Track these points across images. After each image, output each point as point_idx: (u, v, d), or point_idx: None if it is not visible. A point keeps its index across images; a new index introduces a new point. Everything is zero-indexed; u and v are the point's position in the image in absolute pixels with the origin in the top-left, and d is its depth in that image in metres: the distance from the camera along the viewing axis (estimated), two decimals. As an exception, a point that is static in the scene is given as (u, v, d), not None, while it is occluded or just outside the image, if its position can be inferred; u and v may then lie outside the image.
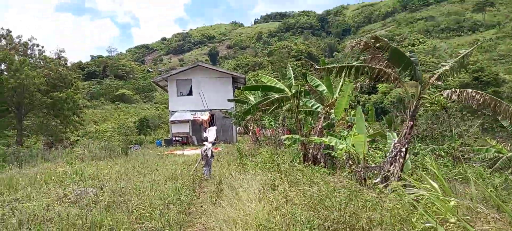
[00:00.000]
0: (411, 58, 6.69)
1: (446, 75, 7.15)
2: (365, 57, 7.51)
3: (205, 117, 27.70)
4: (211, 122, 28.72)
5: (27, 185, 9.60)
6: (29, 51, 31.00)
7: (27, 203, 7.15)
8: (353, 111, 12.97)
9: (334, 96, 12.16)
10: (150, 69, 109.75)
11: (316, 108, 12.55)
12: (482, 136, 26.46)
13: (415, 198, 4.10)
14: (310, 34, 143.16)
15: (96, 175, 11.28)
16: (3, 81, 25.86)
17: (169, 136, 30.25)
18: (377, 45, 6.85)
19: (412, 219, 3.55)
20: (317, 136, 11.17)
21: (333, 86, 12.67)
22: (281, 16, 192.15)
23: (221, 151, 18.94)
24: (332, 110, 11.69)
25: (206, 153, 11.27)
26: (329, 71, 7.66)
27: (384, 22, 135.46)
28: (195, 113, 28.67)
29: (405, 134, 6.90)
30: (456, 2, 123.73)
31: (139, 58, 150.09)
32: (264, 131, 24.88)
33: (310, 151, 11.37)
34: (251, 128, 22.18)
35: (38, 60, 31.52)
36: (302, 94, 12.51)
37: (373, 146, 12.45)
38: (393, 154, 6.92)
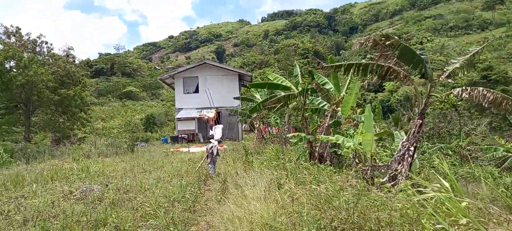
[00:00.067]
0: (422, 56, 6.55)
1: (456, 73, 7.00)
2: (372, 55, 7.39)
3: (211, 114, 27.68)
4: (217, 120, 28.71)
5: (33, 181, 9.63)
6: (37, 49, 31.23)
7: (33, 200, 7.17)
8: (359, 110, 12.84)
9: (341, 94, 12.03)
10: (157, 67, 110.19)
11: (323, 106, 12.43)
12: (490, 135, 26.15)
13: (424, 198, 3.99)
14: (317, 32, 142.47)
15: (102, 171, 11.30)
16: (12, 78, 26.08)
17: (175, 133, 30.29)
18: (387, 43, 6.73)
19: (422, 220, 3.44)
20: (324, 134, 11.06)
21: (340, 84, 12.53)
22: (288, 14, 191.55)
23: (227, 148, 18.90)
24: (339, 109, 11.56)
25: (212, 150, 11.24)
26: (337, 69, 7.54)
27: (391, 20, 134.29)
28: (201, 111, 28.66)
29: (414, 133, 6.77)
30: (465, 0, 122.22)
31: (147, 56, 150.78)
32: (270, 129, 24.80)
33: (316, 149, 11.27)
34: (257, 125, 22.10)
35: (46, 57, 31.74)
36: (309, 92, 12.40)
37: (380, 145, 12.32)
38: (401, 152, 6.79)
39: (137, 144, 24.39)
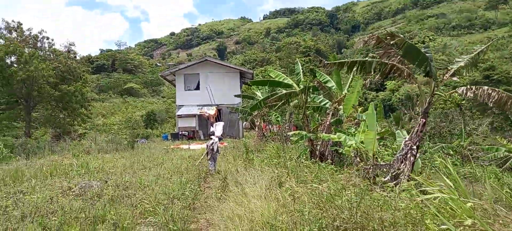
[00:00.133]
0: (426, 54, 6.46)
1: (461, 72, 6.91)
2: (373, 54, 7.32)
3: (212, 111, 27.61)
4: (218, 117, 28.64)
5: (32, 177, 9.57)
6: (39, 44, 31.16)
7: (31, 195, 7.10)
8: (360, 108, 12.76)
9: (343, 93, 11.95)
10: (159, 64, 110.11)
11: (325, 104, 12.35)
12: (491, 135, 26.08)
13: (427, 198, 3.92)
14: (318, 31, 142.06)
15: (101, 168, 11.24)
16: (13, 73, 26.03)
17: (175, 130, 30.24)
18: (391, 42, 6.65)
19: (426, 221, 3.37)
20: (325, 132, 10.99)
21: (342, 83, 12.45)
22: (290, 12, 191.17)
23: (227, 146, 18.83)
24: (341, 107, 11.49)
25: (212, 146, 11.18)
26: (340, 66, 7.46)
27: (394, 19, 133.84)
28: (202, 108, 28.59)
29: (417, 132, 6.69)
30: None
31: (148, 53, 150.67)
32: (270, 127, 24.72)
33: (317, 148, 11.20)
34: (258, 123, 22.04)
35: (47, 53, 31.67)
36: (311, 90, 12.32)
37: (381, 144, 12.25)
38: (403, 151, 6.71)
39: (137, 141, 24.35)
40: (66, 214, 5.72)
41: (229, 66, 33.29)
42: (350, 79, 13.12)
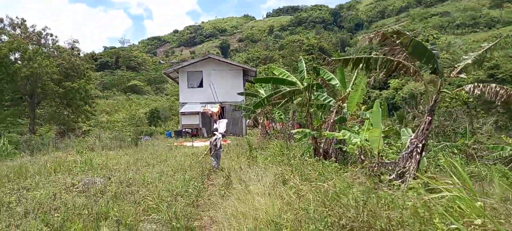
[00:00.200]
0: (433, 51, 6.38)
1: (468, 70, 6.82)
2: (377, 53, 7.24)
3: (215, 109, 27.59)
4: (221, 115, 28.61)
5: (36, 173, 9.58)
6: (43, 41, 31.25)
7: (35, 192, 7.09)
8: (363, 107, 12.67)
9: (347, 90, 11.87)
10: (162, 61, 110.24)
11: (328, 102, 12.27)
12: (496, 134, 25.89)
13: (435, 197, 3.85)
14: (322, 29, 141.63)
15: (105, 164, 11.24)
16: (17, 70, 26.11)
17: (179, 128, 30.25)
18: (397, 42, 6.58)
19: (434, 220, 3.30)
20: (329, 130, 10.92)
21: (346, 81, 12.37)
22: (293, 10, 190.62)
23: (231, 143, 18.81)
24: (345, 105, 11.41)
25: (216, 142, 11.16)
26: (345, 63, 7.38)
27: (398, 17, 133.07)
28: (205, 106, 28.57)
29: (422, 130, 6.61)
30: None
31: (151, 50, 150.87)
32: (274, 124, 24.67)
33: (321, 145, 11.13)
34: (261, 121, 21.99)
35: (51, 50, 31.77)
36: (314, 88, 12.24)
37: (386, 142, 12.17)
38: (409, 150, 6.63)
39: (141, 138, 24.37)
40: (69, 211, 5.70)
41: (232, 64, 33.24)
42: (354, 77, 13.04)
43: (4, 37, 28.40)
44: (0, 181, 8.61)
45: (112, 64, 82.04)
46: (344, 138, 7.95)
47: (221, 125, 12.39)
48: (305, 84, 12.20)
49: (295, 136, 13.48)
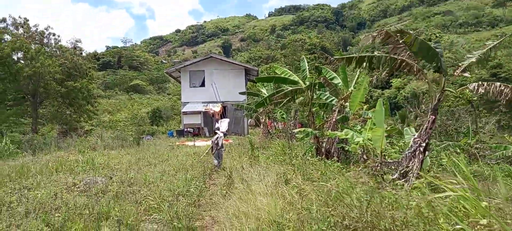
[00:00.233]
0: (436, 49, 6.32)
1: (472, 68, 6.75)
2: (379, 53, 7.18)
3: (217, 108, 27.55)
4: (223, 114, 28.58)
5: (38, 173, 9.57)
6: (45, 40, 31.28)
7: (36, 191, 7.07)
8: (366, 106, 12.61)
9: (349, 89, 11.81)
10: (164, 61, 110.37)
11: (331, 101, 12.21)
12: (498, 133, 25.77)
13: (440, 197, 3.79)
14: (324, 28, 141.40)
15: (107, 164, 11.23)
16: (19, 69, 26.16)
17: (181, 127, 30.23)
18: (401, 41, 6.52)
19: (439, 220, 3.25)
20: (331, 129, 10.86)
21: (348, 80, 12.31)
22: (295, 9, 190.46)
23: (232, 142, 18.77)
24: (347, 104, 11.34)
25: (217, 141, 11.13)
26: (349, 62, 7.32)
27: (400, 16, 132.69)
28: (207, 105, 28.54)
29: (426, 129, 6.54)
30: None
31: (154, 50, 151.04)
32: (275, 124, 24.61)
33: (323, 145, 11.08)
34: (263, 120, 21.95)
35: (54, 49, 31.81)
36: (317, 87, 12.19)
37: (388, 141, 12.10)
38: (412, 149, 6.57)
39: (143, 137, 24.37)
40: (70, 210, 5.68)
41: (234, 63, 33.20)
42: (356, 76, 12.97)
43: (7, 37, 28.43)
44: (1, 180, 8.60)
45: (115, 64, 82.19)
46: (347, 137, 7.90)
47: (223, 124, 12.37)
48: (307, 83, 12.15)
49: (297, 135, 13.43)
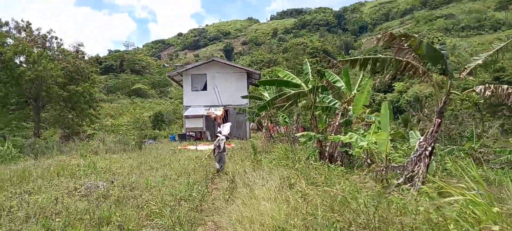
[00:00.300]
0: (442, 51, 6.23)
1: (477, 70, 6.66)
2: (381, 56, 7.12)
3: (219, 112, 27.47)
4: (225, 118, 28.49)
5: (39, 177, 9.50)
6: (47, 44, 31.36)
7: (37, 196, 7.00)
8: (368, 110, 12.51)
9: (353, 92, 11.72)
10: (166, 64, 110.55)
11: (334, 104, 12.12)
12: (502, 138, 25.59)
13: (449, 202, 3.70)
14: (326, 31, 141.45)
15: (108, 168, 11.14)
16: (21, 73, 26.19)
17: (183, 131, 30.16)
18: (406, 44, 6.44)
19: (449, 226, 3.15)
20: (334, 133, 10.77)
21: (351, 83, 12.22)
22: (297, 12, 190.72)
23: (235, 146, 18.67)
24: (350, 107, 11.25)
25: (219, 143, 11.05)
26: (353, 64, 7.24)
27: (402, 19, 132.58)
28: (209, 109, 28.47)
29: (431, 132, 6.45)
30: (478, 0, 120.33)
31: (156, 53, 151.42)
32: (278, 128, 24.53)
33: (327, 149, 10.98)
34: (265, 124, 21.86)
35: (56, 53, 31.86)
36: (319, 90, 12.10)
37: (392, 145, 11.99)
38: (418, 153, 6.47)
39: (145, 141, 24.31)
40: (71, 215, 5.60)
41: (236, 67, 33.16)
42: (359, 79, 12.89)
43: (10, 41, 28.51)
44: (2, 185, 8.53)
45: (117, 68, 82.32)
46: (351, 141, 7.80)
47: (225, 128, 12.27)
48: (310, 86, 12.07)
49: (299, 139, 13.33)
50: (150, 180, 8.59)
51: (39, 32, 30.70)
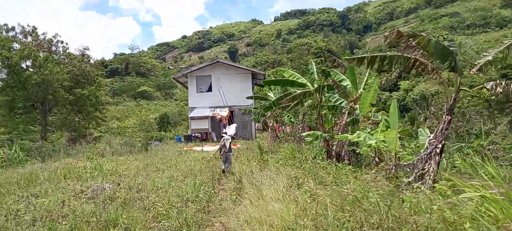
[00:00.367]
0: (451, 48, 6.12)
1: (488, 67, 6.53)
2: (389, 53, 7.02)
3: (225, 113, 27.45)
4: (230, 119, 28.46)
5: (46, 180, 9.51)
6: (53, 48, 31.48)
7: (43, 199, 6.98)
8: (374, 109, 12.39)
9: (359, 91, 11.61)
10: (171, 67, 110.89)
11: (340, 103, 12.02)
12: (510, 134, 25.25)
13: (465, 200, 3.59)
14: (330, 31, 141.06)
15: (115, 170, 11.14)
16: (28, 77, 26.34)
17: (188, 132, 30.17)
18: (414, 43, 6.35)
19: (465, 225, 3.05)
20: (341, 132, 10.67)
21: (357, 81, 12.11)
22: (301, 13, 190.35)
23: (241, 147, 18.61)
24: (357, 106, 11.15)
25: (225, 143, 11.01)
26: (360, 62, 7.14)
27: (406, 18, 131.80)
28: (214, 110, 28.46)
29: (441, 130, 6.33)
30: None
31: (160, 56, 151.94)
32: (283, 128, 24.44)
33: (334, 148, 10.88)
34: (271, 124, 21.79)
35: (62, 57, 32.01)
36: (325, 89, 12.01)
37: (400, 144, 11.85)
38: (428, 151, 6.35)
39: (151, 143, 24.31)
40: (77, 218, 5.56)
41: (241, 68, 33.12)
42: (365, 78, 12.77)
43: (16, 45, 28.68)
44: (10, 188, 8.55)
45: (122, 71, 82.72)
46: (359, 139, 7.70)
47: (231, 128, 12.25)
48: (316, 86, 11.98)
49: (306, 138, 13.23)
50: (157, 182, 8.55)
51: (45, 37, 30.86)
